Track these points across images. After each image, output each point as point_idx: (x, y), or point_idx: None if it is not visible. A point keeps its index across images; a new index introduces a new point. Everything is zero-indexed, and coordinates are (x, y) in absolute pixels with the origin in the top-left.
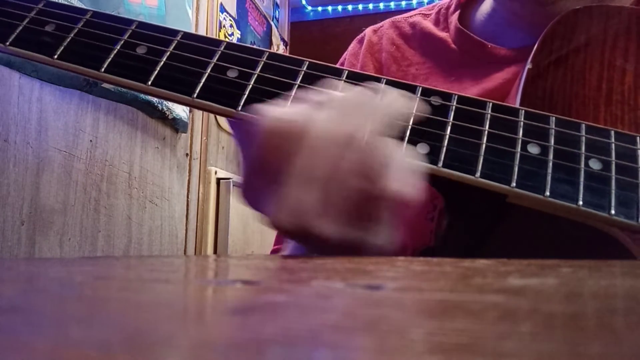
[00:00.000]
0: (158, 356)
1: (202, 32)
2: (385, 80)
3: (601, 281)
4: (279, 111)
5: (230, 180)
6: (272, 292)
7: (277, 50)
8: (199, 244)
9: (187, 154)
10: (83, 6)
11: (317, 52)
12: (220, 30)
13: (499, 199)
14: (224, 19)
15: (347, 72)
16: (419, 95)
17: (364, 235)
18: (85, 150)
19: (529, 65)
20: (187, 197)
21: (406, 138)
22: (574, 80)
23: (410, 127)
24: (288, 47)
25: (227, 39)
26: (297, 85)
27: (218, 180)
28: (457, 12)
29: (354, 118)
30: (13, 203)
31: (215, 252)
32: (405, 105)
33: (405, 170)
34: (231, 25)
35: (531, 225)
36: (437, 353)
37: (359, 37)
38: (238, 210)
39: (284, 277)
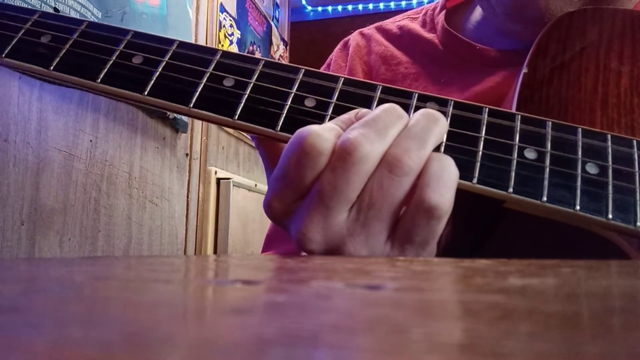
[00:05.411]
0: (158, 356)
1: (202, 31)
2: (381, 87)
3: (601, 281)
4: (316, 127)
5: (230, 180)
6: (272, 292)
7: (277, 50)
8: (199, 244)
9: (187, 154)
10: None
11: (317, 52)
12: (220, 30)
13: (496, 204)
14: (224, 19)
15: (343, 79)
16: (414, 101)
17: (400, 254)
18: (85, 150)
19: (524, 70)
20: (187, 197)
21: None
22: (570, 84)
23: None
24: (288, 47)
25: (227, 39)
26: (293, 94)
27: (218, 180)
28: (443, 12)
29: (392, 137)
30: (13, 203)
31: (215, 252)
32: (444, 125)
33: (447, 184)
34: (231, 25)
35: (530, 228)
36: (437, 353)
37: (344, 40)
38: (238, 210)
39: (284, 277)
